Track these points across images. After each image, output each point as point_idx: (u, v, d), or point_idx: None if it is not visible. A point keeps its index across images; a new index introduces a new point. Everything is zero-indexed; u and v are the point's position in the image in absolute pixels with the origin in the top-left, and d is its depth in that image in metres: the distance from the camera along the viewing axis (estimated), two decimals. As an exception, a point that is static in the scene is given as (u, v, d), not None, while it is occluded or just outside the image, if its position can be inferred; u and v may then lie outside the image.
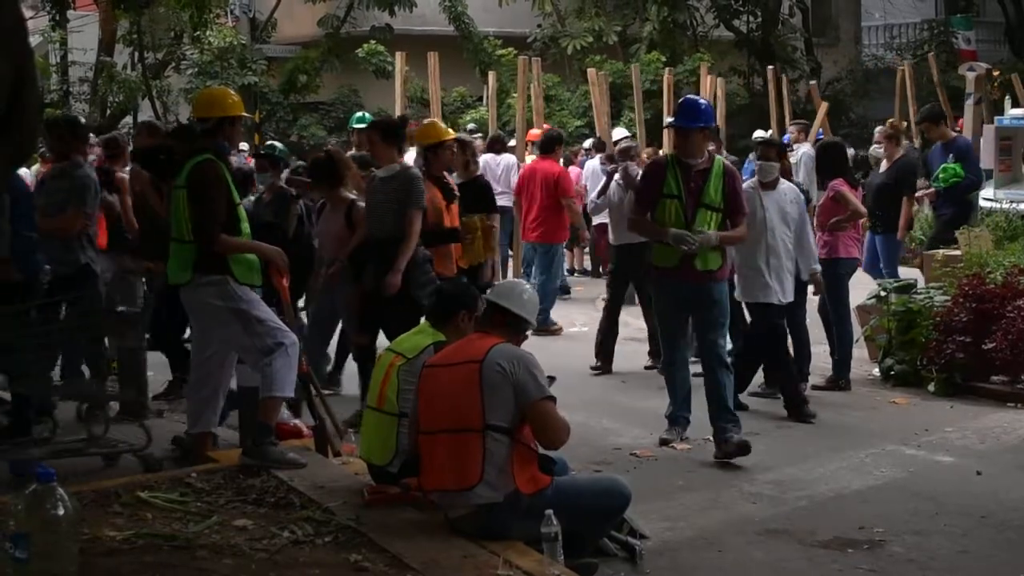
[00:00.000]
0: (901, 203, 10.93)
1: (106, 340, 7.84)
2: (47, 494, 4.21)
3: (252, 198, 8.69)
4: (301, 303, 9.02)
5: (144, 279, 8.56)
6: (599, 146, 15.32)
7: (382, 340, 7.77)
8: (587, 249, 16.00)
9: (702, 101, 7.83)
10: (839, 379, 9.18)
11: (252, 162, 10.86)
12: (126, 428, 8.08)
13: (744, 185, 8.11)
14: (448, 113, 18.55)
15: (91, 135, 10.25)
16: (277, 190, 8.86)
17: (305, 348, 7.08)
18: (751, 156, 11.95)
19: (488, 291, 5.66)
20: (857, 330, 9.63)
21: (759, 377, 8.91)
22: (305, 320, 8.86)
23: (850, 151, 12.19)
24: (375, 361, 8.10)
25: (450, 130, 9.09)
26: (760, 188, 8.40)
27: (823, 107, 18.55)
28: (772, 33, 27.21)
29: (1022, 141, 17.43)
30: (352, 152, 10.28)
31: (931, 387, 8.96)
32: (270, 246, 6.70)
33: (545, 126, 16.91)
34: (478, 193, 9.23)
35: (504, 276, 12.44)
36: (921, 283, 10.33)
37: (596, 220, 12.83)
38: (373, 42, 22.83)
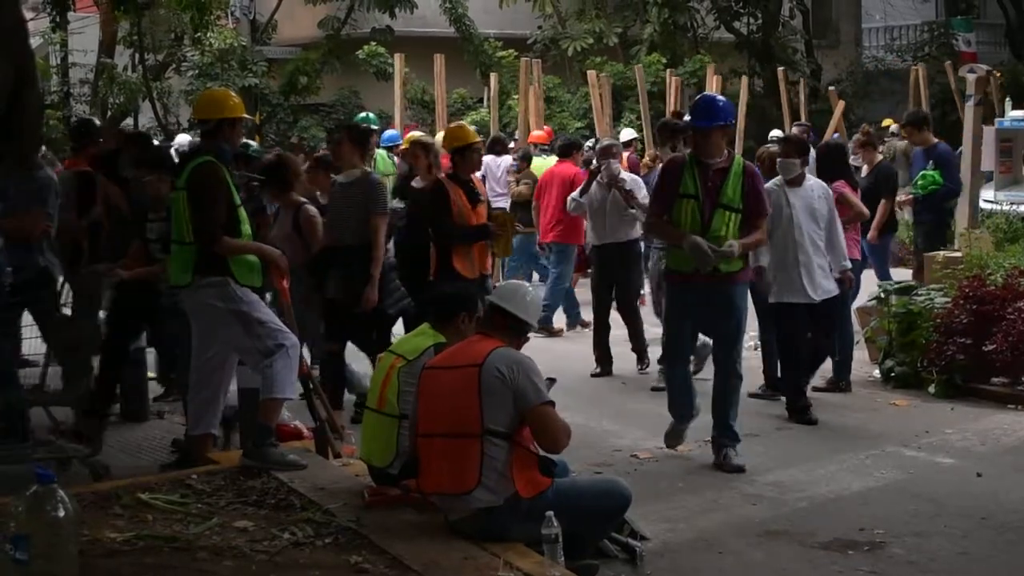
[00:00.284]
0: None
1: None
2: (48, 495, 4.21)
3: None
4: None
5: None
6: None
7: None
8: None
9: (720, 98, 7.52)
10: (839, 381, 9.18)
11: None
12: (126, 430, 8.12)
13: (769, 184, 8.07)
14: (449, 115, 18.55)
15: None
16: (251, 189, 8.83)
17: None
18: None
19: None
20: (857, 332, 9.64)
21: (759, 378, 8.91)
22: None
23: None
24: (344, 366, 8.15)
25: (474, 133, 8.82)
26: (785, 185, 8.33)
27: (840, 106, 18.43)
28: (773, 35, 27.24)
29: (1022, 143, 17.46)
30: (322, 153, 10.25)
31: (931, 389, 8.95)
32: (272, 248, 6.71)
33: (546, 127, 16.96)
34: (442, 196, 8.72)
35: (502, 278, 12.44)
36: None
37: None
38: (374, 44, 22.83)
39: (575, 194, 10.29)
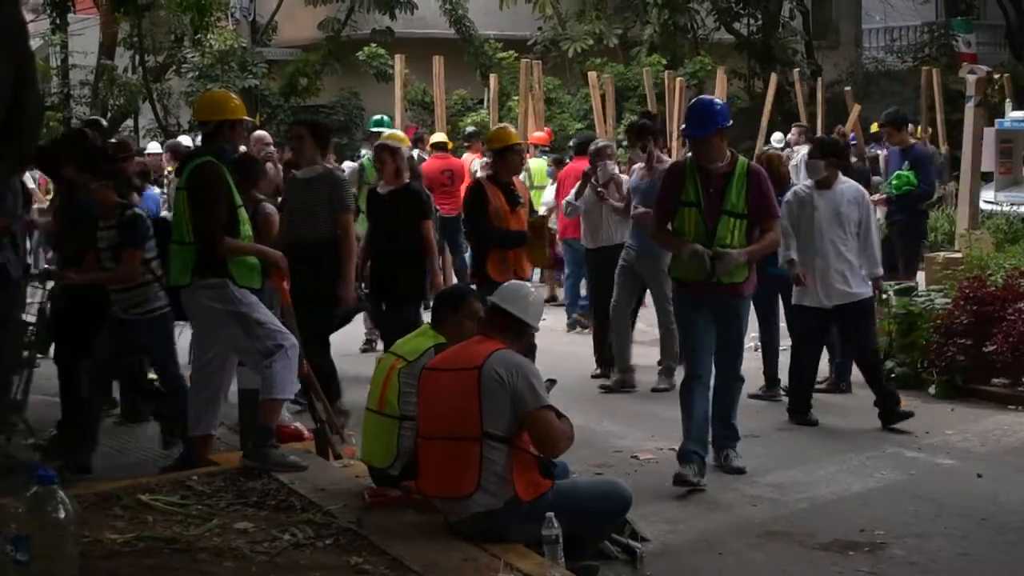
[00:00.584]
0: None
1: None
2: (48, 497, 4.21)
3: None
4: None
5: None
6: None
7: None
8: None
9: (717, 101, 7.32)
10: (840, 382, 9.17)
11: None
12: (128, 431, 8.11)
13: (800, 185, 7.96)
14: (449, 116, 18.57)
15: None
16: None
17: None
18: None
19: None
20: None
21: (759, 379, 8.91)
22: None
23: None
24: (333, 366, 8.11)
25: (516, 134, 8.74)
26: (815, 188, 8.20)
27: (856, 109, 18.29)
28: (773, 36, 27.25)
29: (1022, 144, 17.48)
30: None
31: (932, 389, 8.95)
32: (272, 249, 6.71)
33: (546, 129, 16.97)
34: (409, 201, 8.53)
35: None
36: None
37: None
38: (374, 45, 22.83)
39: (570, 197, 10.20)
